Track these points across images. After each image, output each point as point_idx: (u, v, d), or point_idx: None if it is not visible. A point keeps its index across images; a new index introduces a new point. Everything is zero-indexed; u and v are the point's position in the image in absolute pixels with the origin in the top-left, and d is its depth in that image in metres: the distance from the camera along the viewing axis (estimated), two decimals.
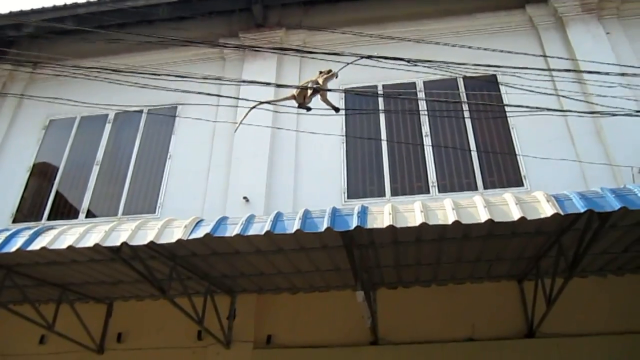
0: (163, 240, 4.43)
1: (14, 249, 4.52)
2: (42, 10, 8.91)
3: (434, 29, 8.36)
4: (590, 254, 5.06)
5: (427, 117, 7.64)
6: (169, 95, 7.77)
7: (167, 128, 8.35)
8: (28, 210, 8.22)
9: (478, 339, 6.10)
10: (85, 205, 7.89)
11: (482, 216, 4.04)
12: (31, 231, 4.72)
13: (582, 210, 3.92)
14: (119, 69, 6.76)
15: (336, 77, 5.90)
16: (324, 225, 4.18)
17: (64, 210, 8.04)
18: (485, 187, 6.96)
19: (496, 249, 5.46)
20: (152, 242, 4.39)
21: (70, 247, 4.47)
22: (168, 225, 4.60)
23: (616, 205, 3.88)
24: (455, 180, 7.16)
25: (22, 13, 9.03)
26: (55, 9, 8.90)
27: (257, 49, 7.63)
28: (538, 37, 8.19)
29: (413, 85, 7.95)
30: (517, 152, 7.15)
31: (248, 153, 7.65)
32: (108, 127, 8.57)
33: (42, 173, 8.55)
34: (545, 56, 7.63)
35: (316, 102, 5.97)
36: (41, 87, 9.21)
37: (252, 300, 6.71)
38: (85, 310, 6.72)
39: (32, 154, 8.66)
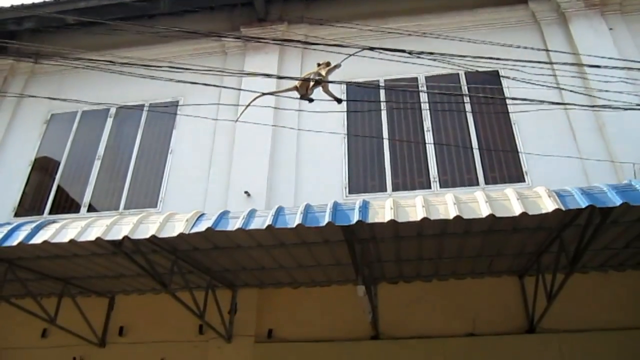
0: (165, 234, 4.44)
1: (15, 242, 4.53)
2: (44, 4, 8.89)
3: (436, 23, 8.33)
4: (591, 250, 5.06)
5: (428, 112, 7.63)
6: (171, 90, 7.76)
7: (169, 123, 8.35)
8: (30, 204, 8.23)
9: (479, 334, 6.11)
10: (86, 199, 7.90)
11: (484, 211, 4.04)
12: (33, 225, 4.73)
13: (583, 206, 3.92)
14: (121, 62, 6.74)
15: (339, 68, 5.88)
16: (325, 219, 4.18)
17: (66, 205, 8.05)
18: (486, 183, 6.95)
19: (497, 244, 5.47)
20: (153, 236, 4.40)
21: (72, 241, 4.48)
22: (170, 219, 4.61)
23: (618, 201, 3.88)
24: (457, 175, 7.16)
25: (23, 7, 9.02)
26: (56, 2, 8.88)
27: (259, 40, 7.60)
28: (540, 32, 8.17)
29: (415, 80, 7.93)
30: (518, 148, 7.13)
31: (249, 148, 7.65)
32: (109, 122, 8.57)
33: (43, 167, 8.55)
34: (547, 50, 7.60)
35: (318, 95, 5.95)
36: (43, 81, 9.22)
37: (253, 294, 6.72)
38: (87, 304, 6.75)
39: (34, 148, 8.67)
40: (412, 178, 7.23)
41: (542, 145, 6.88)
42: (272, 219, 4.28)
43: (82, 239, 4.49)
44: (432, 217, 4.08)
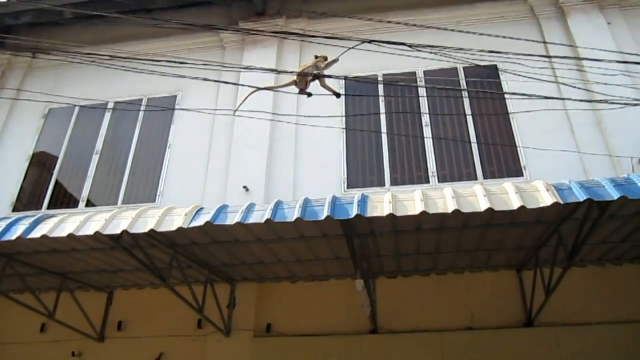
0: (163, 228, 4.44)
1: (14, 236, 4.53)
2: None
3: (435, 17, 8.30)
4: (589, 244, 5.08)
5: (427, 106, 7.62)
6: (169, 84, 7.75)
7: (167, 117, 8.32)
8: (28, 199, 8.22)
9: (477, 328, 6.13)
10: (84, 194, 7.89)
11: (482, 205, 4.05)
12: (31, 219, 4.73)
13: (581, 200, 3.93)
14: (119, 56, 6.72)
15: (337, 62, 5.88)
16: (324, 213, 4.18)
17: (64, 200, 8.04)
18: (485, 177, 6.96)
19: (495, 238, 5.48)
20: (152, 230, 4.40)
21: (70, 235, 4.48)
22: (168, 213, 4.61)
23: (616, 194, 3.88)
24: (455, 170, 7.16)
25: (20, 1, 8.97)
26: None
27: (256, 32, 7.56)
28: (539, 26, 8.17)
29: (413, 74, 7.93)
30: (517, 143, 7.14)
31: (248, 142, 7.64)
32: (107, 116, 8.55)
33: (41, 162, 8.54)
34: (545, 42, 7.59)
35: (317, 89, 5.94)
36: (40, 76, 9.20)
37: (252, 288, 6.73)
38: (86, 298, 6.75)
39: (32, 143, 8.65)
40: (410, 172, 7.23)
41: (540, 140, 6.89)
42: (271, 213, 4.28)
43: (81, 233, 4.48)
44: (431, 211, 4.08)
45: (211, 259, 5.99)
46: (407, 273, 6.53)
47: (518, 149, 7.10)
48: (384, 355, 6.14)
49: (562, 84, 6.56)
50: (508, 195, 4.15)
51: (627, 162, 6.50)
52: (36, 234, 4.52)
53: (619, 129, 6.85)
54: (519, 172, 6.95)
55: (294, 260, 6.00)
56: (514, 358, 5.91)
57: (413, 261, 6.17)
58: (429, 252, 5.85)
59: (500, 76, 7.52)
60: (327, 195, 4.58)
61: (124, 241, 4.92)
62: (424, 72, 7.90)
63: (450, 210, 4.04)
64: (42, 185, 8.23)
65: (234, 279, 6.69)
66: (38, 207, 7.95)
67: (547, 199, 4.00)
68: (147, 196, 7.67)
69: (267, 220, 4.23)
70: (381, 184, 7.16)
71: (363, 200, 4.30)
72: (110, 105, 8.58)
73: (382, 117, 7.67)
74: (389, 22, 7.52)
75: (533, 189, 4.19)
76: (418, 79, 7.88)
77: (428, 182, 7.05)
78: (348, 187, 7.18)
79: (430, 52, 5.96)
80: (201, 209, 4.67)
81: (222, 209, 4.56)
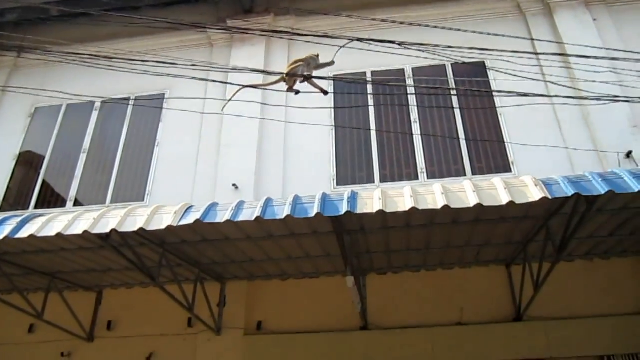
0: (153, 226, 4.41)
1: (1, 237, 4.47)
2: None
3: (423, 15, 8.32)
4: (577, 238, 5.13)
5: (415, 103, 7.65)
6: (157, 82, 7.69)
7: (155, 115, 8.28)
8: (14, 199, 8.13)
9: (467, 323, 6.17)
10: (72, 193, 7.82)
11: (471, 200, 4.07)
12: (19, 219, 4.67)
13: (569, 194, 3.97)
14: (106, 54, 6.67)
15: (331, 65, 5.88)
16: (314, 210, 4.18)
17: (51, 199, 7.97)
18: (473, 173, 6.99)
19: (485, 234, 5.51)
20: (141, 229, 4.37)
21: (58, 235, 4.44)
22: (157, 211, 4.58)
23: (603, 189, 3.92)
24: (444, 166, 7.19)
25: None
26: None
27: (245, 32, 7.54)
28: (526, 23, 8.21)
29: (402, 72, 7.94)
30: (505, 139, 7.19)
31: (237, 140, 7.62)
32: (95, 115, 8.48)
33: (28, 162, 8.45)
34: (532, 39, 7.65)
35: (305, 87, 5.94)
36: (26, 74, 9.09)
37: (242, 286, 6.72)
38: (75, 298, 6.70)
39: (18, 143, 8.56)
40: (399, 169, 7.25)
41: (528, 136, 6.93)
42: (261, 210, 4.27)
43: (69, 232, 4.44)
44: (421, 207, 4.10)
45: (201, 258, 5.97)
46: (397, 269, 6.56)
47: (506, 145, 7.14)
48: (374, 351, 6.16)
49: (550, 82, 6.61)
50: (497, 190, 4.17)
51: (613, 157, 6.58)
52: (24, 234, 4.47)
53: (606, 125, 6.93)
54: (507, 168, 7.00)
55: (285, 257, 6.00)
56: (503, 352, 5.95)
57: (403, 257, 6.19)
58: (418, 248, 5.88)
59: (488, 73, 7.54)
60: (317, 192, 4.58)
61: (113, 240, 4.89)
62: (413, 69, 7.92)
63: (439, 206, 4.06)
64: (29, 185, 8.15)
65: (224, 278, 6.68)
66: (25, 207, 7.87)
67: (535, 194, 4.03)
68: (135, 195, 7.62)
69: (257, 218, 4.23)
70: (370, 180, 7.18)
71: (353, 197, 4.30)
72: (98, 103, 8.52)
73: (371, 114, 7.69)
74: (376, 20, 7.51)
75: (521, 184, 4.21)
76: (407, 76, 7.90)
77: (417, 178, 7.08)
78: (338, 184, 7.19)
79: (419, 50, 5.98)
80: (191, 207, 4.64)
81: (211, 207, 4.54)
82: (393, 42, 5.69)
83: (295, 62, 5.79)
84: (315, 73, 5.74)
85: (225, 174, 7.33)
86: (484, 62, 7.51)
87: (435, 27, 6.99)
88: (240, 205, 4.46)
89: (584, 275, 6.21)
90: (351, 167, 7.39)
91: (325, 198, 4.35)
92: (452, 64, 7.72)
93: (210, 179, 7.39)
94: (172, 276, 5.64)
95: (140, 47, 8.29)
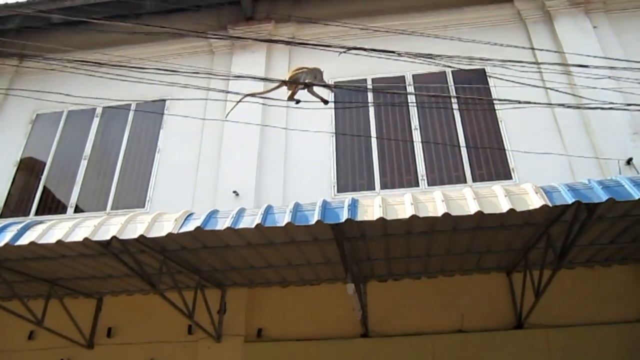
0: (153, 234, 4.41)
1: (1, 244, 4.46)
2: (29, 3, 8.80)
3: (423, 22, 8.36)
4: (577, 246, 5.12)
5: (416, 110, 7.66)
6: (158, 89, 7.71)
7: (156, 122, 8.29)
8: (15, 205, 8.14)
9: (467, 331, 6.15)
10: (73, 200, 7.83)
11: (472, 208, 4.07)
12: (19, 226, 4.67)
13: (570, 202, 3.97)
14: (107, 61, 6.70)
15: (332, 92, 5.94)
16: (314, 218, 4.18)
17: (52, 206, 7.97)
18: (474, 180, 6.99)
19: (485, 241, 5.51)
20: (142, 236, 4.36)
21: (59, 242, 4.43)
22: (158, 219, 4.58)
23: (604, 196, 3.92)
24: (445, 173, 7.19)
25: (8, 5, 8.92)
26: (42, 1, 8.79)
27: (246, 39, 7.58)
28: (526, 30, 8.24)
29: (402, 78, 7.96)
30: (505, 145, 7.19)
31: (237, 146, 7.63)
32: (96, 122, 8.50)
33: (29, 168, 8.46)
34: (533, 48, 7.69)
35: (306, 94, 5.97)
36: (28, 81, 9.10)
37: (242, 293, 6.71)
38: (75, 305, 6.70)
39: (19, 149, 8.57)
40: (400, 176, 7.25)
41: (528, 143, 6.94)
42: (262, 218, 4.27)
43: (70, 239, 4.44)
44: (421, 215, 4.10)
45: (201, 264, 5.97)
46: (398, 276, 6.54)
47: (506, 152, 7.14)
48: (375, 359, 6.14)
49: (550, 88, 6.62)
50: (497, 198, 4.17)
51: (614, 164, 6.57)
52: (24, 240, 4.46)
53: (606, 131, 6.93)
54: (507, 175, 7.00)
55: (285, 264, 5.99)
56: None
57: (404, 264, 6.19)
58: (419, 255, 5.87)
59: (489, 80, 7.56)
60: (318, 199, 4.58)
61: (114, 247, 4.88)
62: (413, 76, 7.93)
63: (440, 214, 4.06)
64: (29, 191, 8.16)
65: (224, 284, 6.67)
66: (26, 213, 7.87)
67: (535, 202, 4.03)
68: (136, 201, 7.63)
69: (258, 225, 4.22)
70: (371, 187, 7.18)
71: (353, 205, 4.30)
72: (99, 110, 8.54)
73: (372, 121, 7.70)
74: (376, 27, 7.55)
75: (522, 192, 4.21)
76: (407, 83, 7.91)
77: (418, 185, 7.08)
78: (338, 191, 7.19)
79: (419, 57, 6.00)
80: (191, 214, 4.65)
81: (212, 214, 4.54)
82: (393, 52, 5.71)
83: (299, 69, 5.82)
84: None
85: (226, 181, 7.33)
86: (484, 69, 7.52)
87: (437, 36, 7.02)
88: (240, 213, 4.46)
89: (584, 282, 6.19)
90: (352, 174, 7.39)
91: (325, 205, 4.35)
92: (452, 71, 7.74)
93: (210, 186, 7.39)
94: (172, 283, 5.64)
95: (142, 54, 8.36)
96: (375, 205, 4.28)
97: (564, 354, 5.85)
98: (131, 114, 8.41)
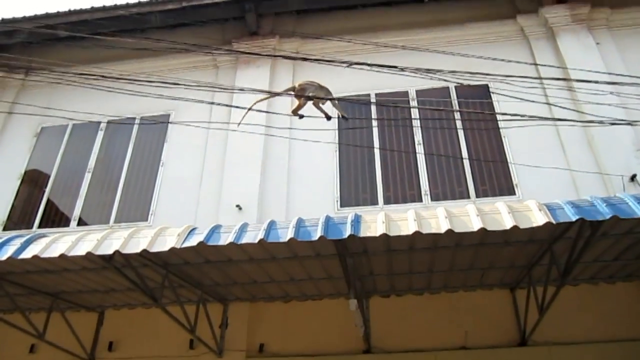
0: (156, 248, 4.41)
1: (5, 257, 4.48)
2: (35, 17, 8.90)
3: (426, 38, 8.41)
4: (582, 262, 5.08)
5: (419, 125, 7.67)
6: (162, 103, 7.74)
7: (160, 136, 8.33)
8: (19, 218, 8.16)
9: (471, 348, 6.10)
10: (76, 213, 7.85)
11: (475, 225, 4.06)
12: (23, 239, 4.68)
13: (573, 219, 3.96)
14: (112, 75, 6.74)
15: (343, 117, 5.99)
16: (317, 233, 4.18)
17: (55, 218, 7.99)
18: (477, 196, 6.99)
19: (489, 257, 5.48)
20: (145, 251, 4.37)
21: (62, 256, 4.44)
22: (161, 233, 4.58)
23: (607, 214, 3.91)
24: (448, 188, 7.19)
25: (14, 20, 9.02)
26: (47, 16, 8.89)
27: (250, 54, 7.64)
28: (529, 47, 8.27)
29: (406, 94, 7.99)
30: (508, 161, 7.19)
31: (241, 161, 7.64)
32: (100, 135, 8.54)
33: (33, 181, 8.50)
34: (536, 64, 7.71)
35: (310, 110, 6.00)
36: (33, 94, 9.18)
37: (244, 308, 6.68)
38: (77, 318, 6.67)
39: (24, 162, 8.61)
40: (403, 191, 7.25)
41: (532, 158, 6.93)
42: (264, 233, 4.27)
43: (73, 253, 4.45)
44: (424, 231, 4.09)
45: (204, 279, 5.96)
46: (401, 292, 6.51)
47: (510, 167, 7.14)
48: None
49: (553, 104, 6.63)
50: (501, 215, 4.16)
51: (617, 180, 6.56)
52: (27, 254, 4.47)
53: (610, 148, 6.92)
54: (511, 190, 6.99)
55: (287, 279, 5.98)
56: None
57: (406, 280, 6.16)
58: (422, 271, 5.85)
59: (492, 96, 7.57)
60: (321, 214, 4.58)
61: (116, 261, 4.88)
62: (417, 91, 7.96)
63: (443, 230, 4.05)
64: (33, 204, 8.18)
65: (226, 299, 6.65)
66: (29, 226, 7.89)
67: (539, 219, 4.01)
68: (139, 215, 7.64)
69: (261, 241, 4.22)
70: (374, 202, 7.17)
71: (356, 220, 4.30)
72: (103, 123, 8.59)
73: (375, 136, 7.71)
74: (380, 43, 7.60)
75: (525, 209, 4.20)
76: (410, 99, 7.94)
77: (421, 200, 7.07)
78: (341, 206, 7.18)
79: (423, 73, 6.03)
80: (194, 229, 4.65)
81: (215, 229, 4.54)
82: (396, 67, 5.74)
83: (310, 82, 5.87)
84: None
85: (229, 195, 7.34)
86: (487, 85, 7.54)
87: (441, 52, 7.05)
88: (243, 228, 4.46)
89: (589, 299, 6.15)
90: (355, 189, 7.39)
91: (328, 221, 4.35)
92: (455, 87, 7.76)
93: (214, 200, 7.40)
94: (174, 297, 5.62)
95: (146, 69, 8.42)
96: (379, 221, 4.27)
97: None
98: (135, 128, 8.45)
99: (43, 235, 4.84)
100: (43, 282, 5.88)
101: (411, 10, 8.90)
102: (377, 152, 7.55)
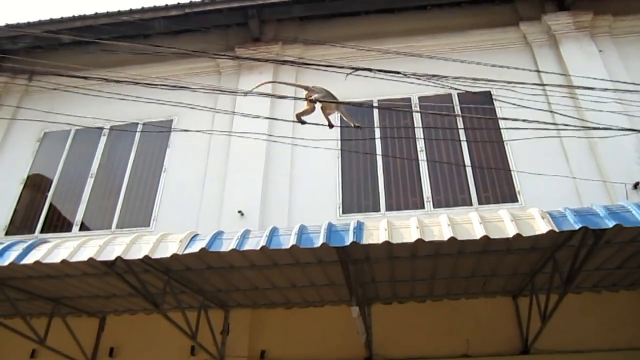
0: (158, 254, 4.41)
1: (7, 262, 4.49)
2: (39, 23, 8.93)
3: (429, 44, 8.42)
4: (584, 270, 5.07)
5: (422, 132, 7.67)
6: (165, 108, 7.74)
7: (162, 141, 8.34)
8: (21, 222, 8.16)
9: (473, 355, 6.08)
10: (79, 218, 7.85)
11: (478, 232, 4.06)
12: (25, 245, 4.69)
13: (576, 228, 3.95)
14: (115, 79, 6.76)
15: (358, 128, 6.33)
16: (319, 240, 4.17)
17: (58, 223, 7.99)
18: (479, 203, 6.97)
19: (491, 264, 5.47)
20: (146, 257, 4.37)
21: (64, 261, 4.44)
22: (163, 239, 4.58)
23: (610, 222, 3.90)
24: (450, 195, 7.18)
25: (18, 25, 9.05)
26: (52, 21, 8.94)
27: (253, 60, 7.65)
28: (532, 54, 8.28)
29: (408, 100, 7.99)
30: (511, 168, 7.18)
31: (243, 166, 7.65)
32: (103, 140, 8.56)
33: (36, 185, 8.51)
34: (538, 71, 7.70)
35: (313, 116, 6.01)
36: (37, 99, 9.21)
37: (246, 315, 6.67)
38: (78, 324, 6.65)
39: (27, 166, 8.63)
40: (405, 198, 7.24)
41: (534, 165, 6.92)
42: (266, 240, 4.27)
43: (75, 259, 4.45)
44: (427, 239, 4.08)
45: (205, 285, 5.95)
46: (403, 299, 6.49)
47: (512, 174, 7.13)
48: None
49: (556, 112, 6.63)
50: (504, 222, 4.16)
51: (620, 188, 6.55)
52: (29, 260, 4.48)
53: (612, 155, 6.91)
54: (513, 198, 6.98)
55: (289, 286, 5.97)
56: None
57: (409, 287, 6.14)
58: (424, 278, 5.83)
59: (494, 102, 7.57)
60: (323, 220, 4.58)
61: (118, 267, 4.88)
62: (419, 97, 7.96)
63: (446, 238, 4.05)
64: (36, 209, 8.18)
65: (228, 305, 6.63)
66: (31, 230, 7.89)
67: (542, 227, 4.01)
68: (141, 220, 7.63)
69: (263, 247, 4.22)
70: (376, 209, 7.16)
71: (359, 227, 4.29)
72: (106, 129, 8.60)
73: (378, 143, 7.71)
74: (382, 50, 7.60)
75: (528, 217, 4.20)
76: (413, 105, 7.94)
77: (423, 207, 7.06)
78: (343, 212, 7.18)
79: (425, 81, 6.03)
80: (196, 235, 4.64)
81: (217, 236, 4.54)
82: (399, 73, 5.74)
83: (320, 88, 5.89)
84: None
85: (231, 201, 7.33)
86: (490, 92, 7.54)
87: (443, 58, 7.06)
88: (245, 234, 4.46)
89: (592, 307, 6.13)
90: (357, 196, 7.38)
91: (330, 228, 4.34)
92: (458, 93, 7.76)
93: (216, 205, 7.40)
94: (175, 303, 5.60)
95: (150, 74, 8.38)
96: (381, 228, 4.27)
97: None
98: (138, 133, 8.46)
99: (45, 241, 4.84)
100: (44, 288, 5.88)
101: (414, 17, 8.93)
102: (379, 158, 7.55)
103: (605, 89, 6.64)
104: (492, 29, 8.54)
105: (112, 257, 4.40)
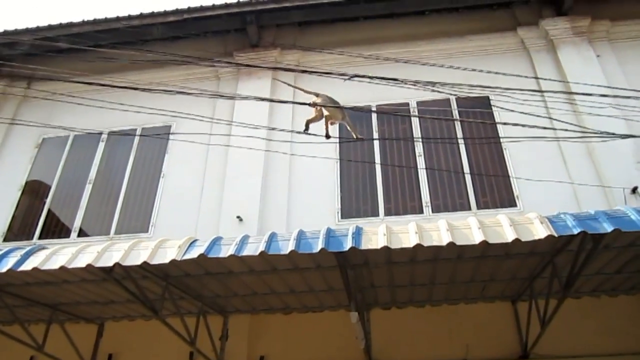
0: (156, 260, 4.40)
1: (4, 269, 4.47)
2: (37, 29, 8.94)
3: (427, 50, 8.45)
4: (583, 275, 5.07)
5: (420, 137, 7.68)
6: (163, 114, 7.76)
7: (161, 147, 8.34)
8: (19, 229, 8.15)
9: None
10: (77, 224, 7.84)
11: (477, 237, 4.05)
12: (22, 251, 4.67)
13: (575, 232, 3.95)
14: (113, 85, 6.76)
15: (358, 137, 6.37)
16: (318, 246, 4.17)
17: (56, 229, 7.98)
18: (478, 207, 6.98)
19: (490, 269, 5.46)
20: (145, 263, 4.36)
21: (62, 268, 4.43)
22: (161, 245, 4.57)
23: (609, 227, 3.90)
24: (449, 200, 7.18)
25: (16, 32, 9.05)
26: (50, 27, 8.94)
27: (251, 65, 7.67)
28: (530, 59, 8.31)
29: (406, 105, 8.00)
30: (510, 173, 7.19)
31: (242, 172, 7.64)
32: (101, 146, 8.56)
33: (34, 191, 8.50)
34: (536, 78, 7.72)
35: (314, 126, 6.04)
36: (35, 105, 9.21)
37: (245, 320, 6.65)
38: (76, 330, 6.62)
39: (25, 172, 8.62)
40: (404, 203, 7.24)
41: (533, 170, 6.93)
42: (265, 245, 4.26)
43: (73, 265, 4.43)
44: (426, 244, 4.08)
45: (204, 291, 5.93)
46: (402, 304, 6.48)
47: (511, 179, 7.14)
48: None
49: (554, 119, 6.64)
50: (502, 227, 4.16)
51: (619, 193, 6.55)
52: (27, 266, 4.46)
53: (611, 160, 6.92)
54: (512, 202, 6.98)
55: (288, 291, 5.95)
56: None
57: (408, 292, 6.13)
58: (423, 283, 5.82)
59: (493, 107, 7.59)
60: (321, 225, 4.58)
61: (116, 273, 4.86)
62: (417, 102, 7.98)
63: (444, 243, 4.04)
64: (34, 215, 8.17)
65: (226, 311, 6.61)
66: (29, 237, 7.88)
67: (541, 232, 4.01)
68: (140, 226, 7.63)
69: (262, 253, 4.21)
70: (375, 214, 7.16)
71: (357, 233, 4.29)
72: (105, 135, 8.60)
73: (376, 148, 7.72)
74: (380, 56, 7.62)
75: (527, 222, 4.20)
76: (411, 110, 7.95)
77: (422, 212, 7.06)
78: (342, 217, 7.17)
79: (423, 87, 6.05)
80: (195, 241, 4.64)
81: (216, 241, 4.53)
82: (397, 79, 5.75)
83: (329, 97, 5.92)
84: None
85: (230, 206, 7.33)
86: (488, 97, 7.56)
87: (441, 64, 7.07)
88: (244, 240, 4.45)
89: (591, 312, 6.12)
90: (356, 200, 7.38)
91: (329, 233, 4.34)
92: (456, 99, 7.77)
93: (214, 211, 7.39)
94: (174, 309, 5.59)
95: (148, 80, 8.42)
96: (380, 233, 4.26)
97: None
98: (136, 139, 8.46)
99: (43, 247, 4.83)
100: (43, 294, 5.86)
101: (412, 22, 8.96)
102: (378, 164, 7.54)
103: (604, 95, 6.64)
104: (490, 34, 8.57)
105: (111, 264, 4.39)
